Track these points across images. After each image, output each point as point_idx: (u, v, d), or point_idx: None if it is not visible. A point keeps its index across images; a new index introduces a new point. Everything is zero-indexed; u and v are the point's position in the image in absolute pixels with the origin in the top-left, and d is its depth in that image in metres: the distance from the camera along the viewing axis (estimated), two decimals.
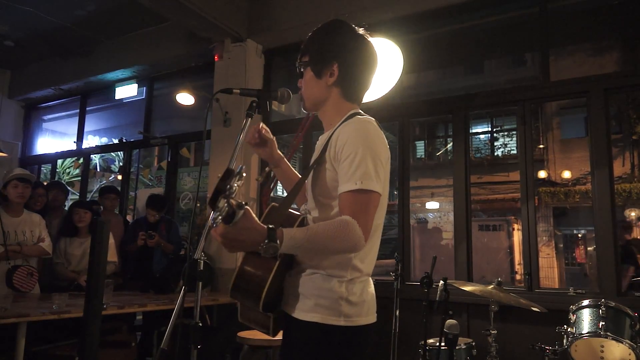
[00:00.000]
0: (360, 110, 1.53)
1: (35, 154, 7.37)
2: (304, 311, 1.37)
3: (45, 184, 5.46)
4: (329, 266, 1.38)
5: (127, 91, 6.31)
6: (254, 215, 1.23)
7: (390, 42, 3.36)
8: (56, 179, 7.68)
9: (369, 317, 1.43)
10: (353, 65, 1.48)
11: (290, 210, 1.49)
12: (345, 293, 1.37)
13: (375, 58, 1.53)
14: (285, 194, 1.57)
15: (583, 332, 2.68)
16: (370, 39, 1.53)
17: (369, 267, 1.46)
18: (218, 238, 1.20)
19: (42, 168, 7.98)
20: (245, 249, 1.30)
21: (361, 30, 1.52)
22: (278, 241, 1.21)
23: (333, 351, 1.36)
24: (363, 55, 1.50)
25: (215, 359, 3.84)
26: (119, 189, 5.70)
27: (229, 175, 1.12)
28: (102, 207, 4.89)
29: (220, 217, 1.14)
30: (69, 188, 6.06)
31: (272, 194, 5.20)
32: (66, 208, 5.01)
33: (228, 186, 1.10)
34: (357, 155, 1.32)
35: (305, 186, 1.54)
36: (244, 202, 1.17)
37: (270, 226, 1.22)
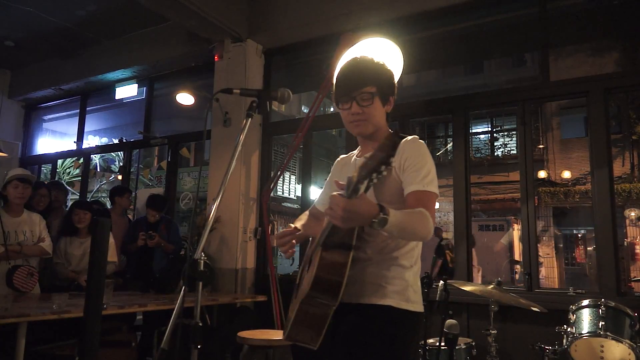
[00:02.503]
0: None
1: (35, 154, 7.37)
2: (377, 297, 1.54)
3: (46, 184, 5.46)
4: (400, 256, 1.60)
5: (127, 91, 6.32)
6: None
7: (390, 42, 3.36)
8: (56, 179, 7.68)
9: (422, 304, 1.62)
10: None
11: None
12: (412, 281, 1.60)
13: None
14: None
15: (583, 332, 2.68)
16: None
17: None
18: (339, 211, 1.28)
19: (42, 168, 7.98)
20: (359, 222, 1.38)
21: None
22: (389, 215, 1.33)
23: (403, 333, 1.54)
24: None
25: (215, 359, 3.84)
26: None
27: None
28: (115, 205, 4.93)
29: (345, 192, 1.27)
30: (68, 187, 6.06)
31: (272, 194, 5.20)
32: (66, 208, 5.01)
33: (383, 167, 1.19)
34: (422, 164, 1.58)
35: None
36: None
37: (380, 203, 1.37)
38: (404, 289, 1.56)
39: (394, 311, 1.53)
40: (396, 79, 1.76)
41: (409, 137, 1.66)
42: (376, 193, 1.59)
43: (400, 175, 1.59)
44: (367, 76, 1.68)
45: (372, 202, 1.35)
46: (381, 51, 3.25)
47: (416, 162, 1.58)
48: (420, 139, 1.68)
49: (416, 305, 1.58)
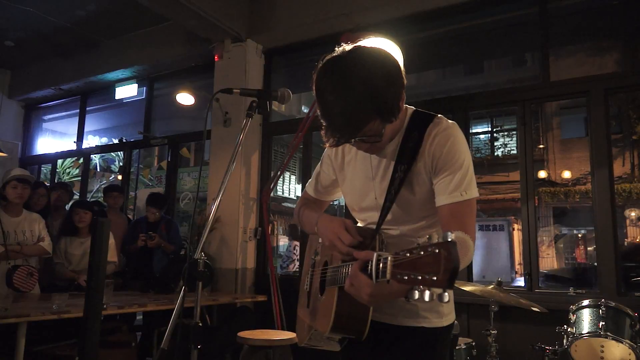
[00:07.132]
0: (414, 107, 1.44)
1: (35, 154, 7.37)
2: (410, 318, 1.41)
3: (46, 184, 5.47)
4: None
5: (127, 91, 6.32)
6: None
7: (390, 42, 3.36)
8: (56, 179, 7.68)
9: (453, 311, 1.49)
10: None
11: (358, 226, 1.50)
12: None
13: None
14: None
15: (583, 332, 2.68)
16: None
17: None
18: (365, 297, 1.13)
19: (42, 168, 7.98)
20: (389, 300, 1.29)
21: (382, 47, 1.36)
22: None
23: (437, 351, 1.43)
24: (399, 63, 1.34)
25: (215, 359, 3.84)
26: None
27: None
28: (107, 205, 4.95)
29: (370, 271, 1.06)
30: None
31: (272, 194, 5.20)
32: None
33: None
34: (457, 165, 1.32)
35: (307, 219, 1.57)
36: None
37: None
38: (436, 304, 1.39)
39: (428, 332, 1.41)
40: (401, 72, 1.28)
41: (439, 122, 1.37)
42: (406, 194, 1.39)
43: (432, 176, 1.35)
44: (364, 109, 1.21)
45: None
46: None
47: (449, 163, 1.32)
48: (450, 120, 1.38)
49: (449, 316, 1.45)
